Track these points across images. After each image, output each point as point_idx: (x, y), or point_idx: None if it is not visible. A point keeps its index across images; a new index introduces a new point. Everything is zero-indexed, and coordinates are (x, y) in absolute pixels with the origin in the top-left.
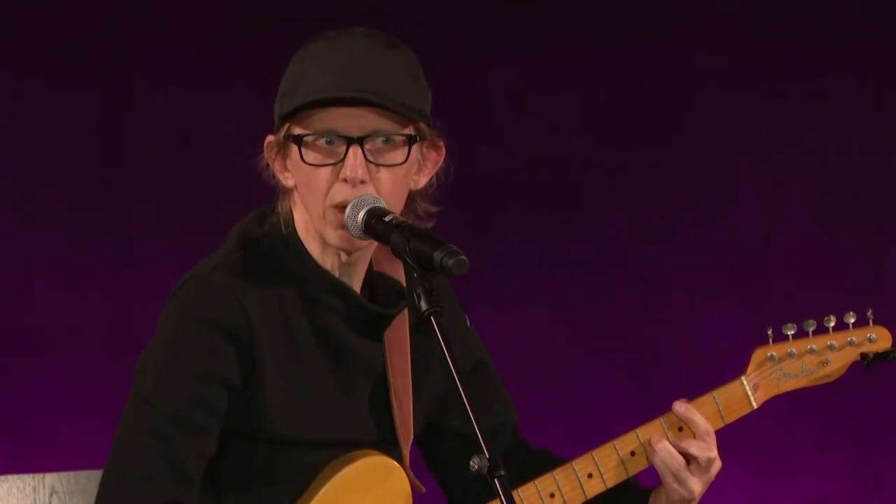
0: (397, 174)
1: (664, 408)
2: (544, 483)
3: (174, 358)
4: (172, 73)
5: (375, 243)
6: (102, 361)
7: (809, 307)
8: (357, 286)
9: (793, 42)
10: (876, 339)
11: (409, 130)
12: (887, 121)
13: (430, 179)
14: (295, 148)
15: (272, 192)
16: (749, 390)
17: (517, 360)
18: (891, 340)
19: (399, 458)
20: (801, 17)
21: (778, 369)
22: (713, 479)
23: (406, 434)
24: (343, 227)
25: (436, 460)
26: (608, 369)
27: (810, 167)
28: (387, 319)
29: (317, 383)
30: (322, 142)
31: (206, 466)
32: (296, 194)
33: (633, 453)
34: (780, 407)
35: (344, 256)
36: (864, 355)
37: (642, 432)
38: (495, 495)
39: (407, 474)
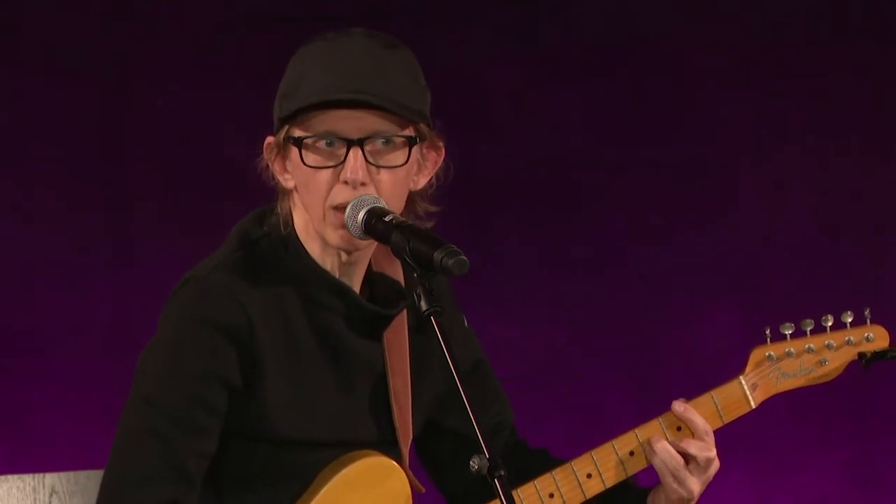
0: (398, 175)
1: (664, 408)
2: (543, 483)
3: (174, 358)
4: (172, 73)
5: (375, 244)
6: (102, 361)
7: (809, 307)
8: (357, 286)
9: (793, 42)
10: (873, 338)
11: (409, 132)
12: (887, 121)
13: (430, 180)
14: (295, 150)
15: (272, 192)
16: (747, 390)
17: (517, 360)
18: (888, 339)
19: (399, 459)
20: (801, 17)
21: (776, 369)
22: (711, 478)
23: (405, 434)
24: (343, 227)
25: (434, 461)
26: (608, 369)
27: (810, 167)
28: (386, 320)
29: (317, 383)
30: (322, 143)
31: (207, 467)
32: (295, 195)
33: (631, 453)
34: (778, 407)
35: (344, 256)
36: (861, 354)
37: (641, 432)
38: (495, 495)
39: (407, 475)
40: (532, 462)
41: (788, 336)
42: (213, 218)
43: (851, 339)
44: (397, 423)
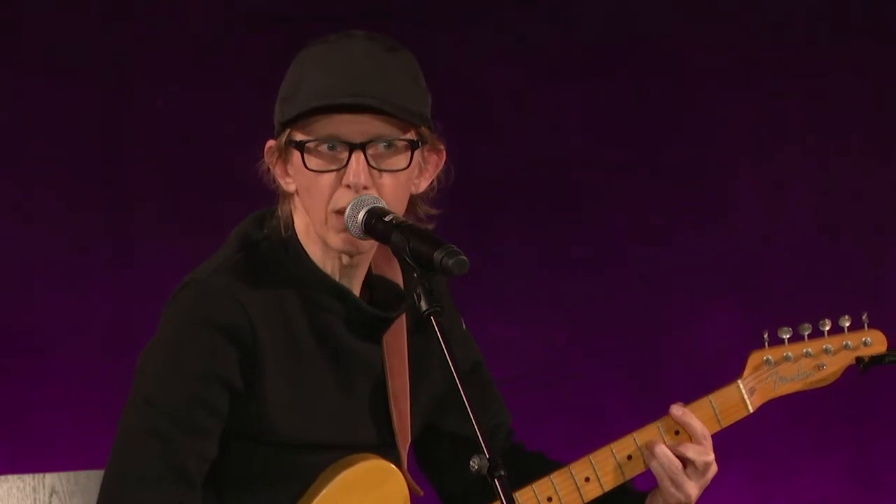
0: (399, 179)
1: (664, 407)
2: (541, 487)
3: (174, 358)
4: (172, 73)
5: (376, 247)
6: (102, 361)
7: (809, 307)
8: (357, 290)
9: (793, 42)
10: (871, 342)
11: (411, 135)
12: (887, 121)
13: (431, 183)
14: (297, 154)
15: (272, 192)
16: (745, 394)
17: (517, 360)
18: (886, 344)
19: (397, 462)
20: (801, 17)
21: (774, 373)
22: (709, 482)
23: (404, 437)
24: (345, 230)
25: (433, 463)
26: (608, 369)
27: (810, 167)
28: (386, 322)
29: (317, 385)
30: (324, 147)
31: (207, 469)
32: (296, 198)
33: (629, 457)
34: (776, 411)
35: (345, 259)
36: (859, 359)
37: (639, 436)
38: (494, 497)
39: (405, 478)
40: (529, 465)
41: (786, 340)
42: (213, 218)
43: (849, 343)
44: (396, 426)
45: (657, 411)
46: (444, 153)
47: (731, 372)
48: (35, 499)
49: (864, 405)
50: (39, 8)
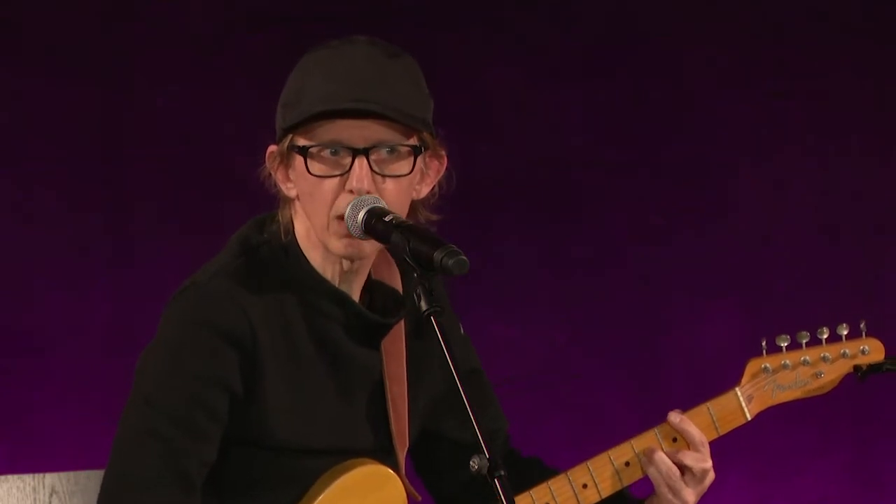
0: (402, 185)
1: (664, 407)
2: (539, 493)
3: (174, 358)
4: (172, 73)
5: (377, 253)
6: (102, 361)
7: (809, 307)
8: (356, 295)
9: (793, 42)
10: (869, 351)
11: (414, 141)
12: (887, 121)
13: (433, 189)
14: (299, 159)
15: (273, 193)
16: (743, 402)
17: (517, 360)
18: (883, 352)
19: (395, 467)
20: (801, 17)
21: (772, 381)
22: (706, 489)
23: (402, 442)
24: (348, 236)
25: (430, 466)
26: (608, 369)
27: (810, 167)
28: (385, 328)
29: (316, 389)
30: (327, 153)
31: (207, 474)
32: (296, 203)
33: (627, 464)
34: (777, 411)
35: (346, 264)
36: (857, 367)
37: (637, 443)
38: (494, 497)
39: (403, 483)
40: (525, 471)
41: (784, 348)
42: (213, 218)
43: (847, 351)
44: (394, 431)
45: (657, 411)
46: (446, 159)
47: (730, 372)
48: (35, 499)
49: (864, 405)
50: (39, 8)
